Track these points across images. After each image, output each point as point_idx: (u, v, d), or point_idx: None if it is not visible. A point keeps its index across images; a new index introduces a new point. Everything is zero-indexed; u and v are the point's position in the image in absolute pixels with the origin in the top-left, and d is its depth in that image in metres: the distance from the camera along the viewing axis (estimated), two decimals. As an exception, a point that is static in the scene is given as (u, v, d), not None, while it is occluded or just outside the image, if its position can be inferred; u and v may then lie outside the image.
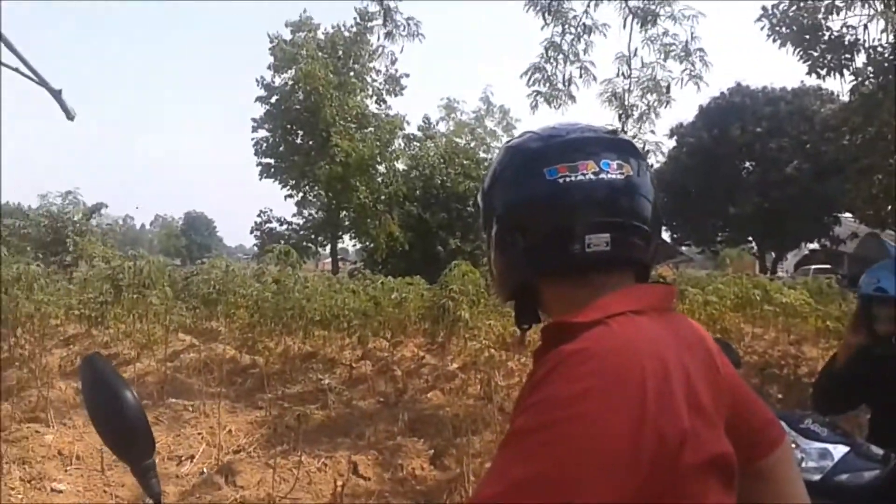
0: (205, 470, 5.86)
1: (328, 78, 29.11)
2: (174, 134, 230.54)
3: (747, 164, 40.31)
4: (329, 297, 9.13)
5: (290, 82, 30.40)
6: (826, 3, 9.72)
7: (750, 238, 43.11)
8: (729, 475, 0.96)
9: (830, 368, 3.12)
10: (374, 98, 32.58)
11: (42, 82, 3.18)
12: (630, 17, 9.58)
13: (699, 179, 38.84)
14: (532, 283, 1.12)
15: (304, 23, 31.04)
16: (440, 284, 8.62)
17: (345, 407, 7.42)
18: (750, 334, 11.04)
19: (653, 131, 10.38)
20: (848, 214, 32.15)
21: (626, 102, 10.13)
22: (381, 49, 10.25)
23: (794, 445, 2.68)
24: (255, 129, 31.97)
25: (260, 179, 32.34)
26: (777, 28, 10.10)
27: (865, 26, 9.52)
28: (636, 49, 9.79)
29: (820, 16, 9.89)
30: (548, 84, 9.94)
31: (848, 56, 9.98)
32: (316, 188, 31.69)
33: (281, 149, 31.58)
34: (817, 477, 2.91)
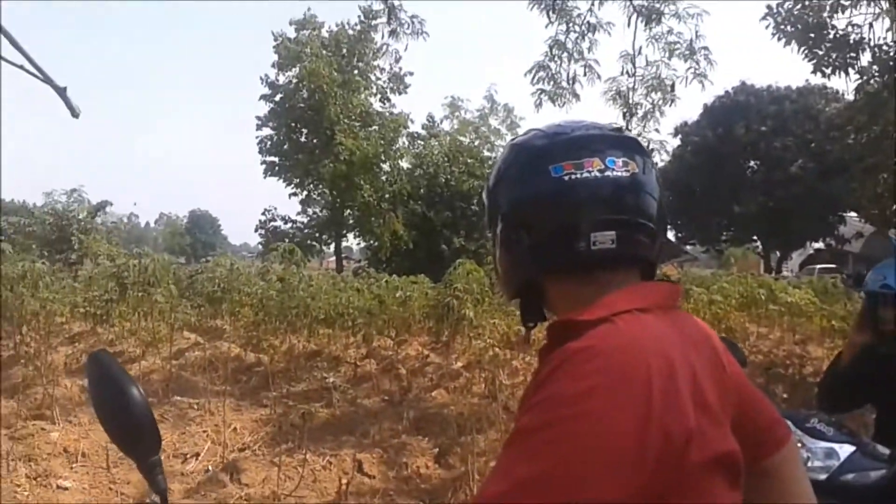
0: (210, 468, 5.87)
1: (332, 76, 29.16)
2: (179, 132, 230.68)
3: (752, 163, 40.26)
4: (333, 295, 9.14)
5: (294, 80, 30.47)
6: (831, 1, 9.72)
7: (755, 237, 43.05)
8: (735, 473, 0.95)
9: (835, 367, 3.11)
10: (378, 96, 32.70)
11: (47, 80, 3.19)
12: (634, 15, 9.59)
13: (704, 178, 38.81)
14: (537, 281, 1.12)
15: (309, 21, 31.12)
16: (444, 283, 8.63)
17: (349, 405, 7.42)
18: (755, 334, 11.04)
19: (657, 130, 10.38)
20: (853, 214, 32.09)
21: (631, 101, 10.15)
22: (385, 47, 10.26)
23: (799, 445, 2.68)
24: (259, 128, 32.12)
25: (264, 177, 32.51)
26: (782, 26, 10.08)
27: (871, 25, 9.53)
28: (640, 47, 9.82)
29: (825, 14, 9.88)
30: (552, 82, 9.96)
31: (853, 55, 9.96)
32: (320, 186, 31.75)
33: (285, 147, 31.66)
34: (823, 476, 2.90)
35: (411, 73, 32.47)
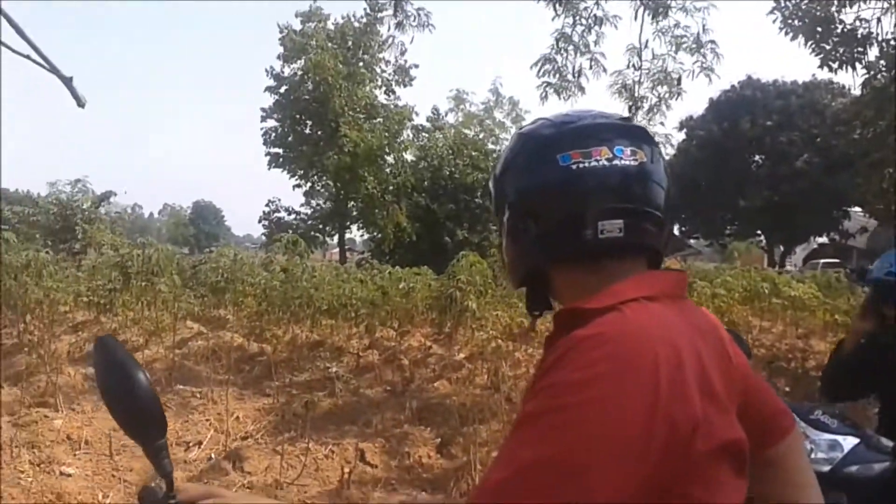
0: (213, 456, 5.89)
1: (337, 68, 29.14)
2: (183, 124, 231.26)
3: (757, 157, 40.21)
4: (337, 286, 9.15)
5: (300, 72, 30.45)
6: (839, -4, 9.68)
7: (759, 231, 43.01)
8: (741, 461, 0.95)
9: (838, 354, 3.10)
10: (384, 88, 32.64)
11: (53, 69, 3.19)
12: (641, 8, 9.56)
13: (708, 172, 38.74)
14: (544, 270, 1.12)
15: (314, 13, 31.06)
16: (448, 275, 8.62)
17: (352, 395, 7.44)
18: (758, 327, 11.04)
19: (662, 123, 10.40)
20: (858, 209, 32.08)
21: (637, 94, 10.14)
22: (391, 39, 10.27)
23: (803, 436, 2.68)
24: (264, 119, 32.10)
25: (268, 169, 32.50)
26: (789, 21, 10.04)
27: (878, 19, 9.51)
28: (647, 41, 9.81)
29: (833, 9, 9.84)
30: (558, 75, 9.94)
31: (860, 49, 9.93)
32: (324, 178, 31.77)
33: (290, 139, 31.65)
34: (827, 468, 2.90)
35: (416, 66, 32.48)
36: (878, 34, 9.68)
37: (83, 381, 7.44)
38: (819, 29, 9.87)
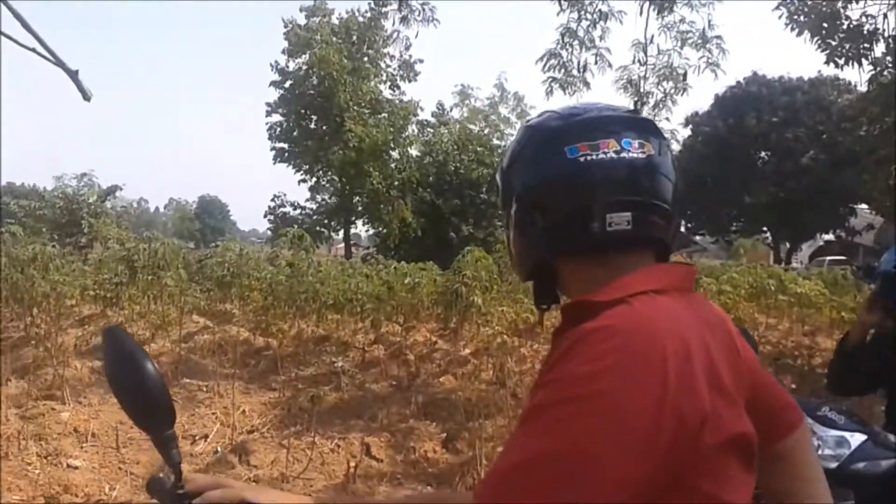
0: (219, 449, 5.92)
1: (342, 63, 29.16)
2: (189, 117, 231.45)
3: (763, 153, 40.01)
4: (342, 281, 9.15)
5: (305, 67, 30.48)
6: (845, -9, 9.63)
7: (764, 228, 42.85)
8: (750, 455, 0.95)
9: (843, 347, 3.08)
10: (388, 84, 32.70)
11: (59, 63, 3.20)
12: (646, 3, 9.53)
13: (714, 168, 38.59)
14: (551, 263, 1.12)
15: (319, 7, 31.07)
16: (453, 270, 8.62)
17: (357, 390, 7.44)
18: (763, 324, 11.00)
19: (668, 119, 10.35)
20: (864, 206, 31.96)
21: (642, 90, 10.11)
22: (395, 34, 10.26)
23: (811, 433, 2.68)
24: (269, 114, 32.15)
25: (274, 164, 32.59)
26: (795, 16, 9.99)
27: (885, 15, 9.47)
28: (652, 36, 9.78)
29: (839, 4, 9.79)
30: (563, 70, 9.92)
31: (867, 45, 9.87)
32: (329, 173, 31.82)
33: (295, 133, 31.71)
34: (834, 465, 2.90)
35: (421, 61, 32.48)
36: (884, 30, 9.64)
37: (90, 374, 7.47)
38: (825, 25, 9.82)
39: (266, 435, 6.25)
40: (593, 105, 1.14)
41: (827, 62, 10.13)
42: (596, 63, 9.88)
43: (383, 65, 32.34)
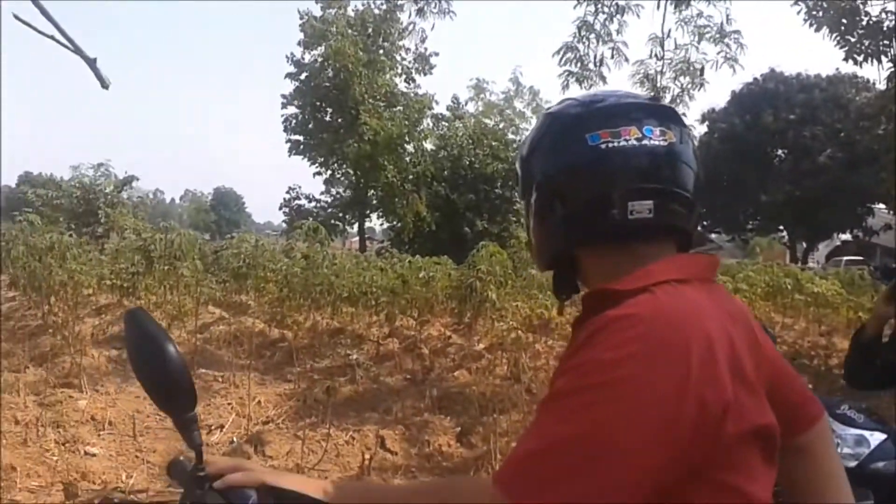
0: (234, 439, 5.94)
1: (357, 55, 29.13)
2: (205, 108, 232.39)
3: (780, 151, 39.69)
4: (357, 274, 9.19)
5: (320, 59, 30.47)
6: (865, -14, 9.52)
7: (781, 227, 42.52)
8: (772, 447, 0.95)
9: (859, 339, 3.00)
10: (404, 76, 32.66)
11: (77, 50, 3.20)
12: (664, -3, 9.43)
13: (730, 166, 38.28)
14: (571, 252, 1.11)
15: (335, -1, 31.01)
16: (468, 265, 8.62)
17: (372, 382, 7.46)
18: (780, 324, 10.96)
19: (685, 115, 10.23)
20: (882, 205, 31.68)
21: (659, 84, 10.02)
22: (411, 26, 10.23)
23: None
24: (284, 106, 32.17)
25: (289, 156, 32.62)
26: (814, 12, 9.87)
27: (905, 11, 9.32)
28: (669, 30, 9.67)
29: (858, 0, 9.67)
30: (579, 64, 9.84)
31: (886, 42, 9.75)
32: (344, 166, 31.84)
33: (310, 126, 31.72)
34: (853, 464, 2.88)
35: (437, 54, 32.41)
36: (904, 27, 9.52)
37: (107, 362, 7.54)
38: (844, 21, 9.70)
39: (281, 426, 6.27)
40: (614, 92, 1.14)
41: (846, 59, 10.02)
42: (612, 57, 9.80)
43: (399, 57, 32.32)
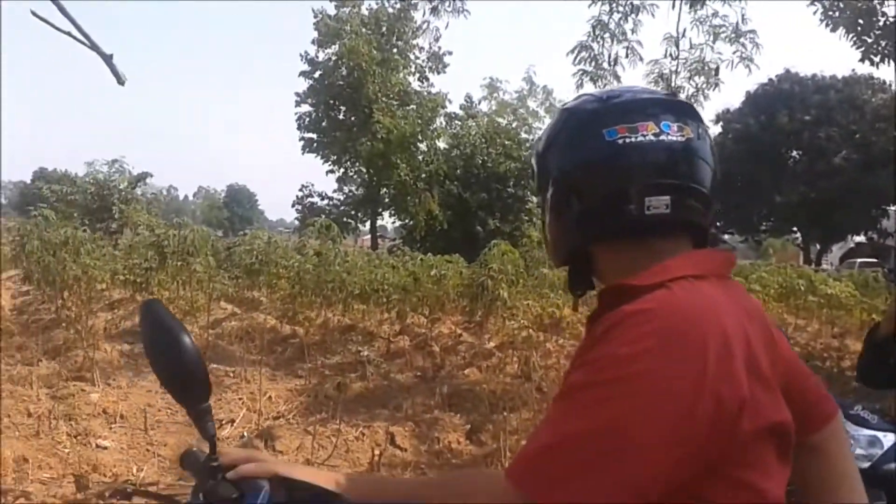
0: (245, 434, 5.97)
1: (371, 54, 29.16)
2: (219, 107, 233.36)
3: (794, 152, 39.45)
4: (369, 271, 9.20)
5: (334, 57, 30.51)
6: (882, -14, 9.42)
7: (795, 228, 42.27)
8: (786, 444, 0.95)
9: (872, 338, 2.97)
10: (417, 75, 32.66)
11: (93, 46, 3.21)
12: (679, -4, 9.38)
13: (744, 167, 38.06)
14: (587, 248, 1.11)
15: (349, -3, 31.03)
16: (479, 263, 8.61)
17: (383, 379, 7.47)
18: (793, 325, 10.89)
19: (699, 114, 10.20)
20: (896, 208, 31.42)
21: (673, 84, 9.96)
22: (425, 25, 10.22)
23: (843, 430, 2.63)
24: (298, 104, 32.25)
25: (302, 154, 32.72)
26: (830, 12, 9.78)
27: (923, 12, 9.22)
28: (684, 30, 9.61)
29: (875, 1, 9.58)
30: (594, 63, 9.80)
31: (903, 43, 9.66)
32: (357, 164, 31.91)
33: (323, 124, 31.81)
34: (866, 465, 2.85)
35: (450, 53, 32.44)
36: (921, 28, 9.41)
37: (119, 356, 7.59)
38: (861, 21, 9.60)
39: (292, 421, 6.29)
40: (630, 88, 1.13)
41: (862, 60, 9.91)
42: (627, 56, 9.75)
43: (412, 56, 32.34)
